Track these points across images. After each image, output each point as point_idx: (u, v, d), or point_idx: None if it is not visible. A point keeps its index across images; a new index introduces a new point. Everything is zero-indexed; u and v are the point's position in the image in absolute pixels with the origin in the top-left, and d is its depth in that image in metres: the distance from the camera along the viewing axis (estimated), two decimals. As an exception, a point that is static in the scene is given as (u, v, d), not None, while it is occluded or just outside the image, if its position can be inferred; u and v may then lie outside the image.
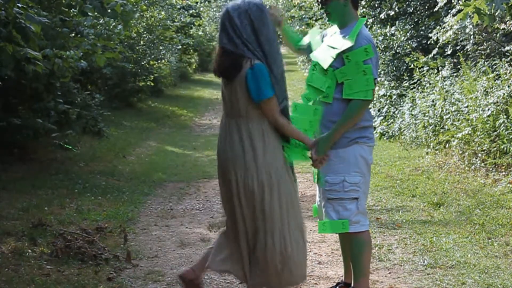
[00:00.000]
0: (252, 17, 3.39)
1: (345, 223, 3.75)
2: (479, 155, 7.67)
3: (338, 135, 3.71)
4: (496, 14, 8.12)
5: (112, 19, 7.63)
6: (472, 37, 9.58)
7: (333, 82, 3.73)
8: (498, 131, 7.50)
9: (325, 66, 3.75)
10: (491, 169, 7.40)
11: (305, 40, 4.14)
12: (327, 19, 3.99)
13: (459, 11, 8.58)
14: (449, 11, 10.09)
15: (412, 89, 10.82)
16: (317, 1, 3.93)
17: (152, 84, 16.28)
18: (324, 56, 3.81)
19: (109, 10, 6.31)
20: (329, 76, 3.74)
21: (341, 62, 3.71)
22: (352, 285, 3.93)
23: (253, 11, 3.40)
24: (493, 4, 5.25)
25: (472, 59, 9.67)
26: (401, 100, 11.22)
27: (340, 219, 3.76)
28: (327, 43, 3.86)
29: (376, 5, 12.78)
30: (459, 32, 9.66)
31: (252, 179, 3.44)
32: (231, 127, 3.51)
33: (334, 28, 3.92)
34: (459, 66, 9.87)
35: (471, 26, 9.41)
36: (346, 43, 3.70)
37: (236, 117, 3.48)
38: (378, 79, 12.20)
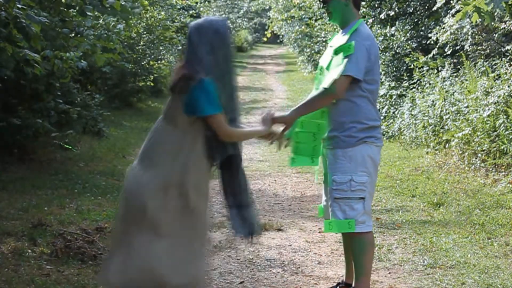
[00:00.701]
0: (211, 37, 3.35)
1: (351, 222, 3.76)
2: (479, 155, 7.67)
3: (300, 112, 3.84)
4: (495, 13, 8.13)
5: (112, 19, 7.63)
6: (470, 37, 9.59)
7: None
8: (498, 131, 7.50)
9: (325, 65, 3.80)
10: (491, 169, 7.41)
11: None
12: (328, 18, 4.03)
13: (459, 11, 8.58)
14: (448, 11, 10.10)
15: (412, 89, 10.82)
16: (319, 0, 3.96)
17: (152, 84, 16.27)
18: (326, 57, 3.89)
19: (109, 9, 6.31)
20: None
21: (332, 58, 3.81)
22: (353, 284, 3.94)
23: (213, 31, 3.36)
24: (492, 4, 5.25)
25: (472, 59, 9.67)
26: (401, 100, 11.22)
27: (346, 218, 3.76)
28: (330, 45, 3.92)
29: (376, 5, 12.78)
30: (458, 32, 9.67)
31: (144, 186, 3.34)
32: (160, 129, 3.47)
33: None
34: (458, 66, 9.87)
35: (468, 26, 9.42)
36: (342, 40, 3.77)
37: (169, 123, 3.41)
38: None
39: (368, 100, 3.78)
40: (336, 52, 3.75)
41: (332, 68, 3.75)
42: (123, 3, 6.43)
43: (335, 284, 4.20)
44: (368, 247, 3.84)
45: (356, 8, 3.87)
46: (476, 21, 5.68)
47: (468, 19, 8.97)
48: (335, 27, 15.58)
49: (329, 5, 3.85)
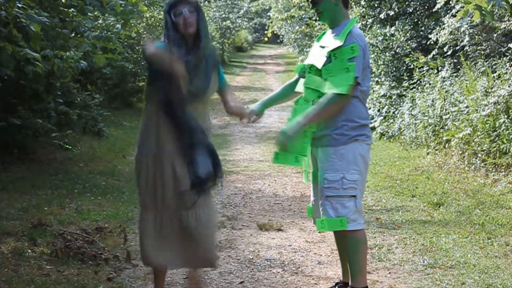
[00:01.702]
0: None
1: (343, 220, 3.77)
2: (479, 155, 7.67)
3: (309, 120, 3.76)
4: (495, 13, 8.13)
5: (111, 19, 7.64)
6: (468, 36, 9.59)
7: None
8: (498, 131, 7.50)
9: (320, 65, 3.80)
10: (491, 169, 7.41)
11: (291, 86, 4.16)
12: (317, 18, 4.03)
13: (459, 11, 8.57)
14: (448, 11, 10.10)
15: (412, 89, 10.83)
16: (308, 1, 3.96)
17: (152, 84, 16.29)
18: (317, 57, 3.87)
19: (109, 10, 6.32)
20: (323, 75, 3.79)
21: (330, 60, 3.77)
22: (349, 284, 3.94)
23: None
24: (493, 1, 5.25)
25: (471, 59, 9.67)
26: (401, 100, 11.22)
27: (338, 216, 3.78)
28: (319, 44, 3.91)
29: (376, 5, 12.78)
30: (457, 32, 9.67)
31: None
32: None
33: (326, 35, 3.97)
34: (458, 66, 9.87)
35: (466, 26, 9.42)
36: (337, 42, 3.76)
37: None
38: (377, 79, 12.23)
39: (359, 99, 3.81)
40: (335, 54, 3.73)
41: (336, 71, 3.73)
42: (123, 6, 6.44)
43: (334, 284, 4.20)
44: (362, 245, 3.85)
45: (345, 7, 3.89)
46: (476, 21, 5.68)
47: (467, 19, 8.97)
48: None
49: (319, 5, 3.86)
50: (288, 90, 4.13)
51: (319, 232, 5.64)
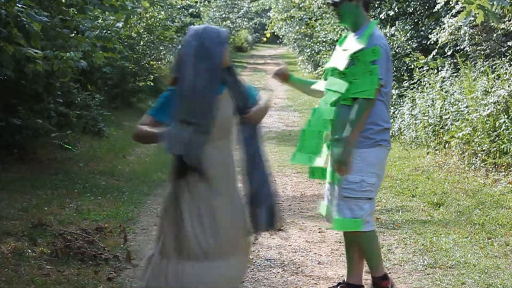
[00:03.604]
0: None
1: (358, 222, 3.83)
2: (479, 155, 7.67)
3: (354, 137, 3.77)
4: (495, 12, 8.12)
5: (111, 18, 7.64)
6: (467, 37, 9.59)
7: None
8: (498, 131, 7.50)
9: (342, 67, 3.83)
10: (491, 169, 7.41)
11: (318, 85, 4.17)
12: (338, 21, 4.07)
13: (459, 12, 8.58)
14: (448, 11, 10.10)
15: (412, 89, 10.83)
16: (329, 3, 4.00)
17: (152, 84, 16.29)
18: (340, 59, 3.90)
19: (108, 8, 6.32)
20: (346, 78, 3.81)
21: (353, 62, 3.80)
22: (371, 275, 4.03)
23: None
24: (495, 2, 5.24)
25: (471, 59, 9.67)
26: (401, 100, 11.22)
27: (353, 217, 3.83)
28: (342, 48, 3.93)
29: (376, 5, 12.79)
30: (457, 33, 9.67)
31: None
32: None
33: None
34: (458, 67, 9.87)
35: (466, 28, 9.42)
36: (358, 45, 3.78)
37: None
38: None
39: (383, 102, 3.85)
40: (358, 57, 3.76)
41: (360, 74, 3.75)
42: (122, 2, 6.44)
43: (335, 284, 4.20)
44: (374, 239, 3.96)
45: (366, 10, 3.91)
46: (480, 21, 5.64)
47: (468, 19, 8.96)
48: (335, 27, 15.57)
49: (340, 8, 3.89)
50: (310, 84, 4.24)
51: (319, 232, 5.65)
